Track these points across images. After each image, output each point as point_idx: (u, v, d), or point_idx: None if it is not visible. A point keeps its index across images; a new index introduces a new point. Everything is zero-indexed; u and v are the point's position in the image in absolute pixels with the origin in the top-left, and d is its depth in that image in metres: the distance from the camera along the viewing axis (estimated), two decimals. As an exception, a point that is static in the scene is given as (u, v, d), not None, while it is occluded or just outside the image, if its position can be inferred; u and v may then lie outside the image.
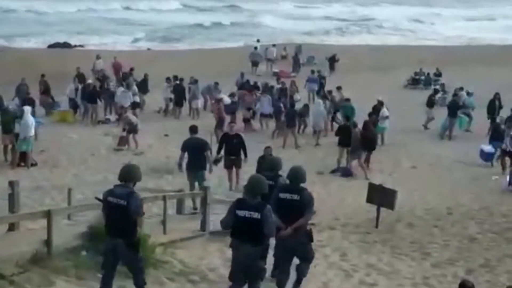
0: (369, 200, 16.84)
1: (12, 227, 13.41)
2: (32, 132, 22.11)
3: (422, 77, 40.61)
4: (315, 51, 48.60)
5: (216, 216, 15.32)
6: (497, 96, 29.79)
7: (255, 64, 44.34)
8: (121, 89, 30.54)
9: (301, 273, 11.39)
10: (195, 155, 17.45)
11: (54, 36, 58.25)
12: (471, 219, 17.42)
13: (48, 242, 11.33)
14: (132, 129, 25.39)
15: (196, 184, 17.39)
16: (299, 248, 11.11)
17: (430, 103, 30.25)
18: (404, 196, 17.42)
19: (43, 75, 31.03)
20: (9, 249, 11.48)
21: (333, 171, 22.42)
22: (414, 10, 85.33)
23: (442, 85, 37.45)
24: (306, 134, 27.67)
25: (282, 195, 11.03)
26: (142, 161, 23.07)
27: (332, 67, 44.40)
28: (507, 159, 22.24)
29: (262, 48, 47.22)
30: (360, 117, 24.74)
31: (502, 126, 24.28)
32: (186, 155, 17.75)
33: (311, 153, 24.63)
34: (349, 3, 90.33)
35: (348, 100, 27.45)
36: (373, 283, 12.67)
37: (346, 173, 22.01)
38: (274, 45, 47.60)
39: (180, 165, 17.85)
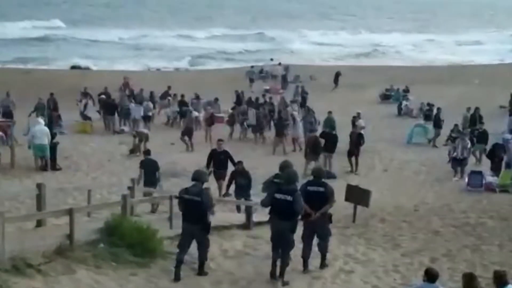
0: (347, 198, 16.83)
1: (39, 223, 13.42)
2: (45, 141, 22.19)
3: (393, 93, 40.70)
4: (299, 70, 48.55)
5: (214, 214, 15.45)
6: (477, 111, 29.18)
7: (251, 81, 44.41)
8: (133, 104, 30.63)
9: (324, 249, 12.58)
10: (149, 173, 17.67)
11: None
12: (435, 215, 17.46)
13: (70, 236, 11.37)
14: (143, 138, 25.50)
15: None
16: (322, 229, 12.27)
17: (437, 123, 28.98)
18: (377, 195, 17.46)
19: (52, 94, 30.60)
20: (37, 242, 11.49)
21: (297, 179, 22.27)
22: (414, 36, 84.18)
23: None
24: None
25: (310, 188, 12.17)
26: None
27: (336, 82, 44.63)
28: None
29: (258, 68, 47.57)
30: (340, 127, 24.96)
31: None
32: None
33: (297, 158, 24.62)
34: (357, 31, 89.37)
35: (330, 112, 27.49)
36: (350, 270, 12.65)
37: (329, 175, 21.99)
38: (272, 59, 47.66)
39: (138, 180, 17.06)
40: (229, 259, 12.85)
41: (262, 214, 15.66)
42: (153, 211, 16.87)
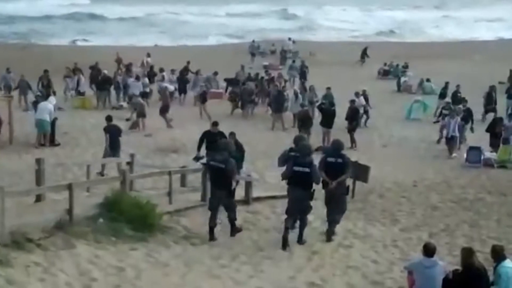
0: (346, 174, 16.85)
1: (39, 198, 13.46)
2: (45, 117, 22.16)
3: (392, 69, 40.65)
4: (298, 46, 48.35)
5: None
6: (493, 89, 29.13)
7: (253, 55, 44.72)
8: (132, 79, 30.49)
9: (334, 219, 13.09)
10: (114, 137, 18.65)
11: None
12: (433, 190, 17.53)
13: (70, 211, 11.39)
14: (142, 113, 25.49)
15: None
16: (340, 201, 13.01)
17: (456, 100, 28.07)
18: (376, 171, 17.45)
19: (45, 71, 30.13)
20: (36, 217, 11.54)
21: (317, 149, 22.32)
22: (429, 14, 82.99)
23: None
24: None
25: (329, 159, 12.93)
26: (151, 142, 23.09)
27: (363, 57, 45.01)
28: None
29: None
30: (339, 104, 24.88)
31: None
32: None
33: (295, 134, 24.64)
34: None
35: (329, 88, 27.41)
36: (349, 245, 12.71)
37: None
38: (290, 39, 47.41)
39: (107, 146, 18.62)
40: (227, 234, 12.90)
41: (260, 190, 15.73)
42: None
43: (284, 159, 13.22)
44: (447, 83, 30.22)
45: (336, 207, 12.98)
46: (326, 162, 12.90)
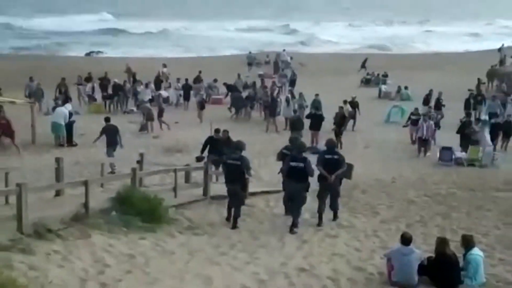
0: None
1: (58, 193, 13.49)
2: (60, 121, 22.26)
3: (373, 78, 40.67)
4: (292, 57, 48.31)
5: (214, 185, 15.48)
6: (471, 95, 29.25)
7: (250, 64, 44.58)
8: (142, 87, 30.54)
9: (336, 207, 13.72)
10: (111, 136, 19.23)
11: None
12: (410, 186, 17.56)
13: (85, 205, 11.41)
14: (150, 117, 25.51)
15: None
16: (335, 190, 13.44)
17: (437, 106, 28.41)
18: (359, 169, 17.45)
19: (63, 79, 30.16)
20: (56, 210, 11.53)
21: (307, 149, 22.36)
22: (414, 29, 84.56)
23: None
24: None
25: (326, 156, 13.33)
26: (158, 142, 23.11)
27: (363, 66, 44.42)
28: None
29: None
30: (326, 108, 24.96)
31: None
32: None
33: (287, 135, 24.63)
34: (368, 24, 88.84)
35: (317, 95, 27.46)
36: (335, 235, 12.73)
37: (315, 151, 22.01)
38: (284, 50, 47.38)
39: (95, 140, 19.87)
40: (227, 225, 12.93)
41: (255, 186, 15.73)
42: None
43: (281, 156, 13.66)
44: (430, 90, 29.96)
45: (334, 195, 13.53)
46: (324, 159, 13.30)
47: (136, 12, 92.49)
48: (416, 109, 25.63)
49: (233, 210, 13.04)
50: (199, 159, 17.64)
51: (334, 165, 13.23)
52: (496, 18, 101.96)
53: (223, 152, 16.68)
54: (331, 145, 13.82)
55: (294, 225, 12.78)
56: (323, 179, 13.21)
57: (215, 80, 33.38)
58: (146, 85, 30.84)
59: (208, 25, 78.49)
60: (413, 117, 24.71)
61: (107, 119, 19.77)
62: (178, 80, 32.72)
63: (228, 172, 13.16)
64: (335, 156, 13.38)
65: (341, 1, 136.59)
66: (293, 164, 12.74)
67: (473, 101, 28.77)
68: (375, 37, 74.09)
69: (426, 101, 28.95)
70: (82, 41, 61.56)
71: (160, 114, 26.30)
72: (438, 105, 28.11)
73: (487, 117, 25.99)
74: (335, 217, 13.69)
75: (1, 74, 34.26)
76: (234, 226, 12.84)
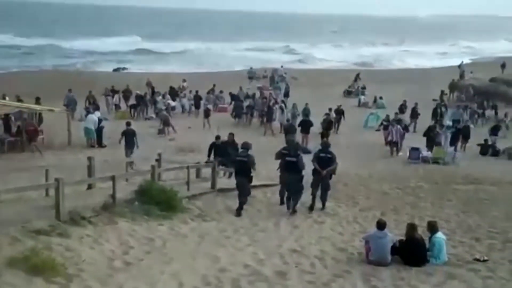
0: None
1: (90, 187, 13.47)
2: (91, 126, 22.32)
3: (353, 90, 40.61)
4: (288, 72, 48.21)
5: (220, 180, 15.45)
6: (439, 105, 29.24)
7: (250, 78, 44.37)
8: (160, 98, 30.61)
9: (325, 198, 13.80)
10: (130, 138, 19.31)
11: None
12: (384, 180, 17.57)
13: (113, 196, 11.41)
14: (166, 123, 25.50)
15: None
16: (326, 183, 13.58)
17: (414, 114, 28.28)
18: (342, 166, 17.33)
19: (90, 91, 30.00)
20: (88, 200, 11.53)
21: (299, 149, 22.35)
22: (394, 48, 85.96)
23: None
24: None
25: (321, 155, 13.54)
26: (173, 144, 23.09)
27: (356, 80, 43.47)
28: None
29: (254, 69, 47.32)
30: (314, 114, 25.04)
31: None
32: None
33: (281, 138, 24.66)
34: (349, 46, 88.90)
35: (307, 104, 27.46)
36: (322, 221, 12.74)
37: (305, 151, 21.97)
38: (282, 66, 47.09)
39: (120, 141, 19.57)
40: (231, 213, 12.93)
41: (255, 180, 15.69)
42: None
43: (279, 155, 13.74)
44: (404, 101, 29.78)
45: (324, 187, 13.66)
46: (318, 157, 13.51)
47: (161, 34, 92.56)
48: (387, 116, 25.67)
49: (239, 198, 13.16)
50: (207, 163, 17.69)
51: (327, 162, 13.42)
52: (459, 40, 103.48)
53: (227, 153, 16.73)
54: (325, 145, 13.98)
55: (294, 208, 13.19)
56: (316, 173, 13.37)
57: (221, 92, 33.34)
58: (163, 96, 30.86)
59: (222, 45, 78.43)
60: (385, 123, 24.79)
61: (128, 124, 19.76)
62: (189, 91, 32.71)
63: (238, 167, 13.37)
64: (328, 155, 13.56)
65: (330, 26, 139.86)
66: (288, 159, 13.18)
67: (440, 110, 28.78)
68: (360, 55, 74.41)
69: (401, 110, 28.94)
70: (112, 59, 61.45)
71: (167, 122, 25.97)
72: (414, 113, 28.06)
73: (450, 123, 25.99)
74: (323, 206, 13.73)
75: (43, 86, 34.18)
76: (239, 212, 12.87)
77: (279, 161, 13.77)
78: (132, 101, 31.30)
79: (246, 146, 13.59)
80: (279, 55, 71.40)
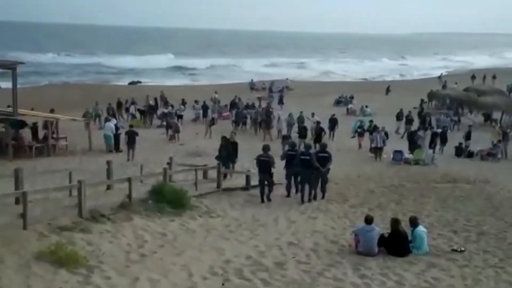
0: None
1: (108, 187, 13.46)
2: (109, 133, 22.35)
3: (342, 99, 40.55)
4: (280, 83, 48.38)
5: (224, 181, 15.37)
6: (428, 114, 29.20)
7: (252, 89, 44.60)
8: (170, 108, 30.66)
9: (325, 189, 14.52)
10: (131, 137, 20.80)
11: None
12: (371, 180, 17.50)
13: (129, 196, 11.38)
14: (177, 130, 25.46)
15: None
16: (325, 177, 14.35)
17: (408, 121, 28.08)
18: (333, 167, 17.33)
19: (109, 103, 29.94)
20: (107, 199, 11.52)
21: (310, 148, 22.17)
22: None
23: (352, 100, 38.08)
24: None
25: (320, 154, 14.29)
26: (183, 148, 23.03)
27: (387, 91, 43.63)
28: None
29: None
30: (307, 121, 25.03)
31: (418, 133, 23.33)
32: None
33: (278, 142, 24.64)
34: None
35: (301, 112, 27.47)
36: (315, 217, 12.69)
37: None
38: (287, 79, 47.14)
39: (125, 141, 20.84)
40: (235, 210, 12.89)
41: (256, 180, 15.67)
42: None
43: (284, 156, 14.66)
44: (401, 109, 29.51)
45: (324, 180, 14.43)
46: (318, 156, 14.18)
47: (192, 52, 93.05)
48: (371, 121, 25.69)
49: (266, 189, 13.93)
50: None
51: (325, 160, 14.15)
52: (449, 55, 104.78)
53: (229, 154, 16.68)
54: (324, 146, 15.00)
55: (322, 196, 14.27)
56: (316, 169, 14.01)
57: (226, 104, 33.35)
58: (172, 106, 30.86)
59: (245, 62, 78.78)
60: (359, 130, 24.84)
61: (130, 126, 20.52)
62: (196, 102, 32.56)
63: (260, 166, 14.02)
64: (325, 154, 14.34)
65: (336, 43, 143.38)
66: (303, 157, 14.02)
67: (429, 118, 28.71)
68: (364, 70, 75.56)
69: (398, 117, 28.63)
70: (146, 74, 60.31)
71: (177, 129, 25.76)
72: (408, 119, 27.94)
73: (439, 130, 25.43)
74: (323, 196, 14.36)
75: (72, 99, 34.27)
76: (269, 199, 13.86)
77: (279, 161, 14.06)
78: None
79: (267, 148, 14.29)
80: (294, 70, 71.61)
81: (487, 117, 30.96)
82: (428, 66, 79.99)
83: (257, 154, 14.47)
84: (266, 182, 14.02)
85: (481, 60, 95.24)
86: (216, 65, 73.18)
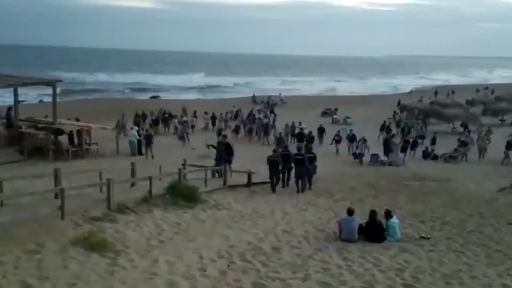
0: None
1: (132, 184, 13.37)
2: (133, 139, 22.31)
3: (328, 111, 40.42)
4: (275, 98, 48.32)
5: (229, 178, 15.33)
6: (407, 124, 29.38)
7: (254, 102, 44.56)
8: (184, 118, 30.63)
9: (311, 182, 15.13)
10: (148, 140, 21.43)
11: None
12: (352, 178, 17.48)
13: (150, 191, 11.36)
14: (182, 135, 25.53)
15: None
16: (311, 172, 15.13)
17: (404, 130, 28.15)
18: (320, 168, 17.42)
19: (136, 115, 29.63)
20: (131, 195, 11.50)
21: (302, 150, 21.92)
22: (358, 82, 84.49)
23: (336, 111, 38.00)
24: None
25: (308, 155, 15.11)
26: (195, 152, 22.92)
27: (402, 112, 39.11)
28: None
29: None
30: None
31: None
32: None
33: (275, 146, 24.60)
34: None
35: (294, 122, 27.46)
36: (305, 209, 12.68)
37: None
38: (280, 93, 46.93)
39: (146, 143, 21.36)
40: (238, 203, 12.86)
41: (256, 178, 15.66)
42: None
43: (280, 155, 15.15)
44: (385, 121, 29.26)
45: (311, 175, 15.17)
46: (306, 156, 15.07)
47: (219, 72, 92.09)
48: (351, 130, 25.60)
49: (300, 183, 14.70)
50: (208, 146, 17.74)
51: (312, 160, 15.20)
52: (428, 73, 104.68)
53: (226, 154, 16.09)
54: (310, 148, 16.31)
55: (309, 187, 14.89)
56: (306, 166, 14.82)
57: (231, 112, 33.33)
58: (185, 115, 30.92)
59: (266, 79, 78.48)
60: (336, 138, 24.46)
61: (147, 130, 20.79)
62: (206, 113, 32.50)
63: (271, 164, 14.82)
64: (312, 155, 15.37)
65: (337, 64, 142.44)
66: (297, 156, 14.87)
67: (408, 127, 28.91)
68: (365, 86, 74.50)
69: (382, 128, 28.05)
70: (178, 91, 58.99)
71: (184, 135, 25.54)
72: (388, 129, 27.73)
73: (419, 140, 25.17)
74: (310, 186, 14.98)
75: (105, 111, 34.26)
76: (309, 188, 14.87)
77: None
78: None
79: (286, 145, 15.93)
80: (304, 86, 70.90)
81: (466, 127, 30.78)
82: (413, 83, 78.99)
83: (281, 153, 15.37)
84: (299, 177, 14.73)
85: (454, 78, 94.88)
86: (238, 83, 72.87)
